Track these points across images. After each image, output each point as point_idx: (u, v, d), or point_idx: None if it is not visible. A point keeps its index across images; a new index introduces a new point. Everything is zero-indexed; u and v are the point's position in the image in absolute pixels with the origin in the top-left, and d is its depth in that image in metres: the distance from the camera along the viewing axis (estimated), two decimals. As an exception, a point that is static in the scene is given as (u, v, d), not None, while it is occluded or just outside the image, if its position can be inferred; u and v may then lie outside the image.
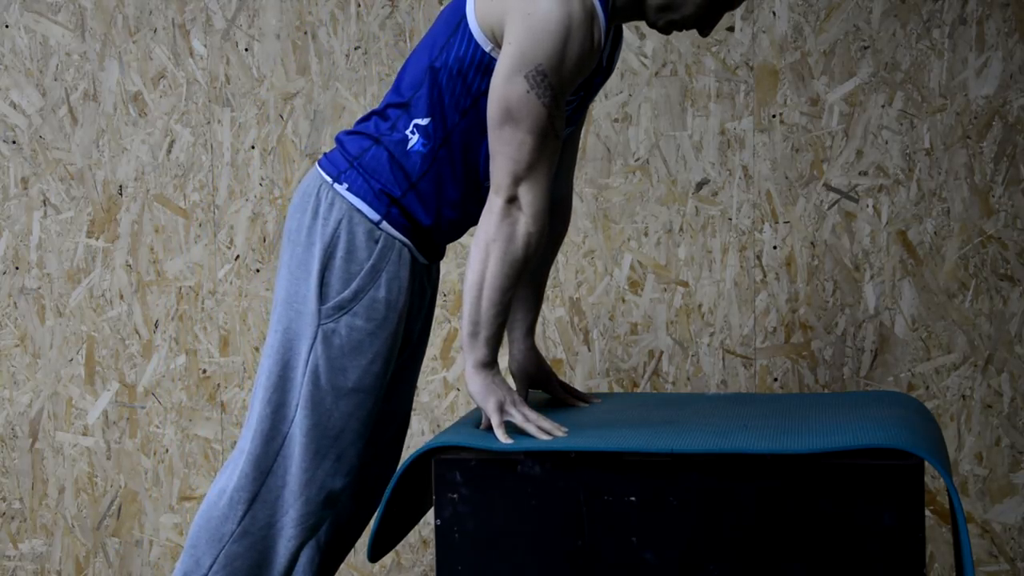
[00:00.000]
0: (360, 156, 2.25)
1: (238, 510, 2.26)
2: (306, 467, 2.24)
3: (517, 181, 2.11)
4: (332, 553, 2.45)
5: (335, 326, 2.22)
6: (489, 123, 2.13)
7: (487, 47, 2.15)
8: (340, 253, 2.22)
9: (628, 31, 3.11)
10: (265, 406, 2.25)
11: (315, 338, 2.23)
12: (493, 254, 2.11)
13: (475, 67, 2.17)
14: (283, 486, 2.26)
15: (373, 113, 2.29)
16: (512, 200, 2.11)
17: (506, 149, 2.11)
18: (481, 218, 2.14)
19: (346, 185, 2.24)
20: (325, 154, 2.31)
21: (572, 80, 2.12)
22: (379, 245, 2.23)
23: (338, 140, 2.30)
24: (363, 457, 2.34)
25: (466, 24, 2.17)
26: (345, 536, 2.47)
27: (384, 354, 2.25)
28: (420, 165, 2.23)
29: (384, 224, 2.23)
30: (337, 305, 2.22)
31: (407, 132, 2.23)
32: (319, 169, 2.28)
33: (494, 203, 2.12)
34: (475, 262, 2.12)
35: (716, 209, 3.12)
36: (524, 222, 2.11)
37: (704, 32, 2.23)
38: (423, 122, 2.22)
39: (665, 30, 2.24)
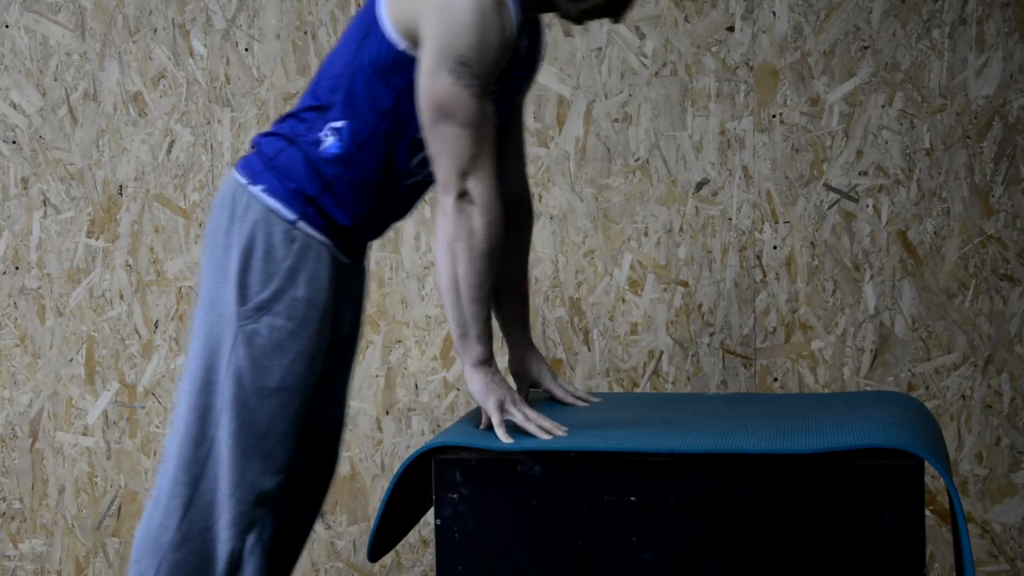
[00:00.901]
0: (275, 157, 2.26)
1: (174, 518, 2.26)
2: (235, 468, 2.24)
3: (464, 175, 2.12)
4: (280, 558, 2.45)
5: (256, 327, 2.23)
6: (423, 125, 2.13)
7: (401, 46, 2.16)
8: (258, 254, 2.23)
9: (628, 31, 3.11)
10: (191, 411, 2.26)
11: (237, 339, 2.23)
12: (459, 253, 2.12)
13: (390, 67, 2.17)
14: (215, 489, 2.26)
15: (289, 115, 2.29)
16: (463, 195, 2.12)
17: (446, 147, 2.12)
18: (436, 220, 2.14)
19: (262, 187, 2.24)
20: (243, 157, 2.31)
21: (494, 67, 2.12)
22: (296, 245, 2.23)
23: (254, 143, 2.31)
24: (294, 456, 2.34)
25: (378, 25, 2.17)
26: (292, 540, 2.47)
27: (307, 353, 2.25)
28: (335, 166, 2.23)
29: (301, 224, 2.23)
30: (257, 306, 2.23)
31: (321, 134, 2.23)
32: (236, 172, 2.29)
33: (445, 203, 2.13)
34: (443, 265, 2.13)
35: (716, 209, 3.12)
36: (479, 214, 2.12)
37: (616, 19, 2.24)
38: (339, 124, 2.22)
39: (578, 20, 2.24)
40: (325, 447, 2.47)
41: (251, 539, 2.31)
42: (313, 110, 2.25)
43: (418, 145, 2.21)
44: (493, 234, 2.14)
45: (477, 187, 2.12)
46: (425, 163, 2.24)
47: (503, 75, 2.19)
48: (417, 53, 2.14)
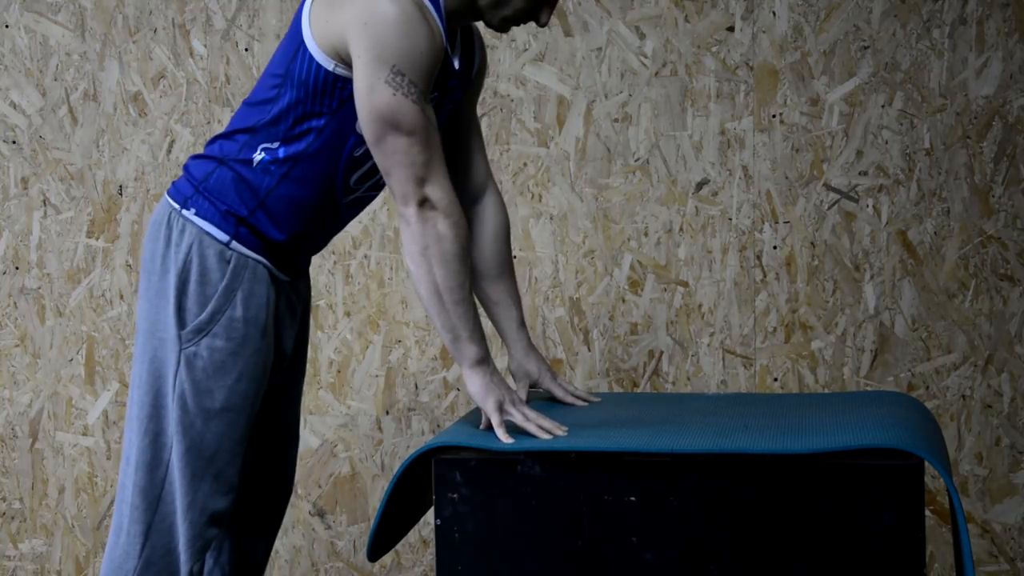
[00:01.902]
0: (205, 180, 2.26)
1: (136, 544, 2.27)
2: (187, 491, 2.25)
3: (421, 182, 2.12)
4: None
5: (196, 349, 2.23)
6: (369, 141, 2.13)
7: (330, 65, 2.15)
8: (194, 277, 2.23)
9: (628, 31, 3.11)
10: (143, 437, 2.27)
11: (179, 363, 2.24)
12: (433, 259, 2.12)
13: (320, 87, 2.17)
14: (173, 512, 2.27)
15: (218, 137, 2.29)
16: (423, 202, 2.12)
17: (396, 158, 2.12)
18: (403, 233, 2.14)
19: (193, 210, 2.25)
20: (173, 182, 2.32)
21: (429, 72, 2.12)
22: (231, 265, 2.24)
23: (185, 167, 2.31)
24: (248, 476, 2.37)
25: (304, 47, 2.17)
26: (251, 562, 2.48)
27: (250, 372, 2.26)
28: (267, 183, 2.23)
29: (234, 244, 2.24)
30: (196, 328, 2.23)
31: (253, 154, 2.24)
32: (167, 198, 2.29)
33: (408, 214, 2.13)
34: (421, 275, 2.13)
35: (716, 209, 3.12)
36: (443, 218, 2.13)
37: (540, 22, 2.23)
38: (272, 145, 2.23)
39: (502, 27, 2.24)
40: (278, 465, 2.48)
41: (209, 561, 2.36)
42: (244, 132, 2.25)
43: (356, 162, 2.22)
44: (461, 234, 2.14)
45: (436, 191, 2.13)
46: (364, 179, 2.26)
47: (437, 83, 2.19)
48: (347, 72, 2.14)
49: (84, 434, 3.35)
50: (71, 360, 3.35)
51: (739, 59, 3.09)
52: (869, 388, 3.09)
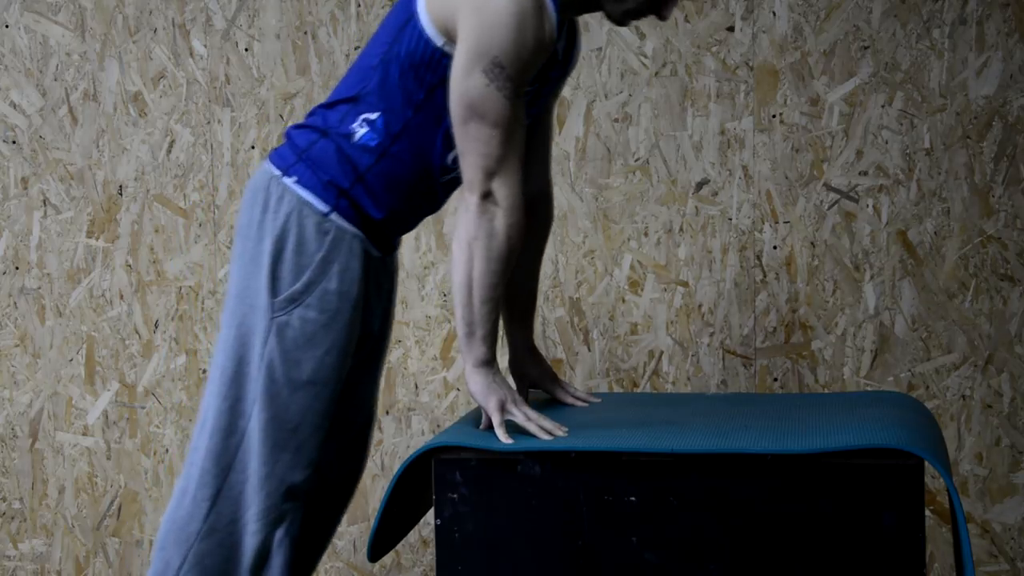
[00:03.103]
0: (308, 149, 2.25)
1: (202, 508, 2.26)
2: (265, 461, 2.24)
3: (490, 176, 2.11)
4: (307, 550, 2.45)
5: (288, 319, 2.22)
6: (454, 122, 2.13)
7: (439, 42, 2.15)
8: (290, 246, 2.22)
9: (627, 30, 3.11)
10: (222, 402, 2.26)
11: (269, 331, 2.23)
12: (477, 252, 2.12)
13: (426, 61, 2.17)
14: (244, 481, 2.26)
15: (321, 107, 2.29)
16: (487, 196, 2.12)
17: (474, 145, 2.11)
18: (458, 217, 2.14)
19: (295, 178, 2.24)
20: (275, 148, 2.31)
21: (529, 70, 2.11)
22: (329, 237, 2.23)
23: (287, 134, 2.31)
24: (324, 450, 2.34)
25: (416, 19, 2.17)
26: (319, 533, 2.47)
27: (339, 346, 2.25)
28: (368, 158, 2.23)
29: (333, 216, 2.23)
30: (289, 298, 2.22)
31: (354, 126, 2.23)
32: (269, 163, 2.28)
33: (469, 201, 2.12)
34: (460, 262, 2.13)
35: (716, 209, 3.12)
36: (501, 216, 2.12)
37: (663, 16, 2.22)
38: (372, 116, 2.22)
39: (622, 20, 2.23)
40: (354, 441, 2.47)
41: (280, 532, 2.30)
42: (346, 102, 2.24)
43: (452, 141, 2.21)
44: (513, 236, 2.13)
45: (502, 189, 2.12)
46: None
47: (539, 76, 2.18)
48: (452, 50, 2.13)
49: (84, 434, 3.35)
50: (71, 360, 3.35)
51: (739, 59, 3.09)
52: (869, 388, 3.09)
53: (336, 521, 2.50)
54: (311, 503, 2.41)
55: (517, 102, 2.11)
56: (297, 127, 2.30)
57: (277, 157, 2.28)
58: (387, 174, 2.23)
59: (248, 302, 2.24)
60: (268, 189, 2.25)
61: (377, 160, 2.22)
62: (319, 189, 2.23)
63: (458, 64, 2.10)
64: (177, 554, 2.27)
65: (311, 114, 2.30)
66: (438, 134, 2.21)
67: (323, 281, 2.23)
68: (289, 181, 2.24)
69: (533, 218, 2.39)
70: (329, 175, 2.23)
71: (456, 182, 2.29)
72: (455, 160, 2.23)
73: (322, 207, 2.23)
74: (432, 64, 2.16)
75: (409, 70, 2.18)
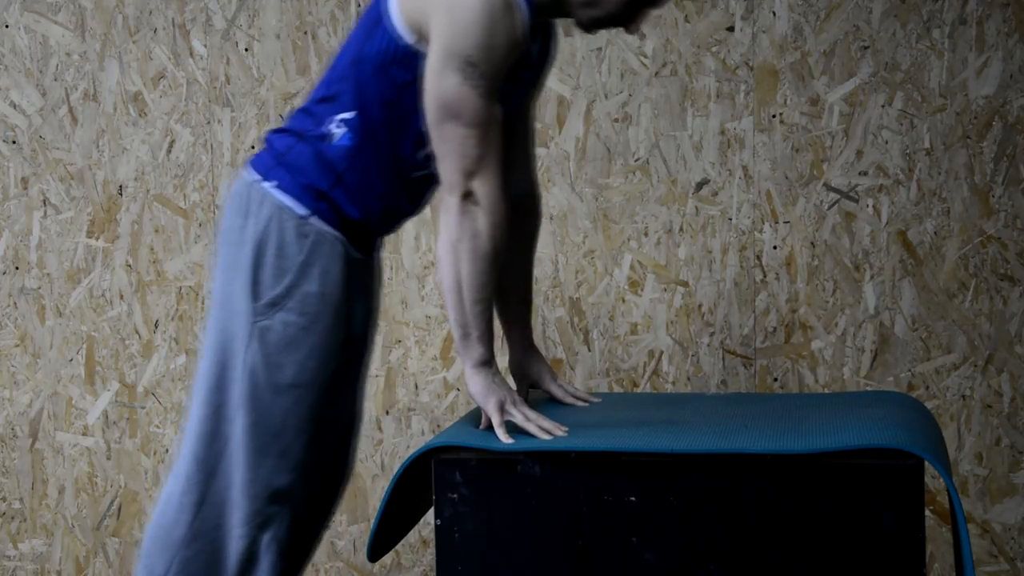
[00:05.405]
0: (286, 153, 2.26)
1: (187, 514, 2.26)
2: (249, 465, 2.24)
3: (469, 176, 2.12)
4: (294, 553, 2.44)
5: (269, 323, 2.23)
6: (429, 125, 2.13)
7: (410, 39, 2.16)
8: (271, 250, 2.23)
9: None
10: (205, 407, 2.26)
11: (251, 336, 2.23)
12: (463, 254, 2.12)
13: (397, 59, 2.17)
14: (229, 486, 2.26)
15: (300, 110, 2.30)
16: (467, 196, 2.12)
17: (451, 146, 2.11)
18: (441, 220, 2.14)
19: (274, 182, 2.25)
20: (254, 154, 2.31)
21: (502, 68, 2.12)
22: (309, 240, 2.23)
23: (266, 139, 2.31)
24: (309, 453, 2.33)
25: (387, 18, 2.17)
26: (307, 536, 2.46)
27: (321, 348, 2.25)
28: (345, 158, 2.23)
29: (313, 219, 2.24)
30: (270, 302, 2.23)
31: (331, 127, 2.23)
32: (249, 169, 2.29)
33: (450, 203, 2.13)
34: (446, 265, 2.13)
35: (716, 209, 3.12)
36: (483, 215, 2.12)
37: (630, 29, 2.23)
38: (348, 116, 2.22)
39: (589, 28, 2.24)
40: (339, 444, 2.46)
41: (266, 536, 2.30)
42: (323, 102, 2.25)
43: (423, 139, 2.21)
44: (497, 235, 2.13)
45: (482, 188, 2.12)
46: (432, 157, 2.24)
47: (511, 75, 2.19)
48: (424, 48, 2.14)
49: (84, 434, 3.35)
50: (71, 360, 3.35)
51: (739, 59, 3.09)
52: (869, 388, 3.09)
53: (324, 523, 2.50)
54: (297, 506, 2.41)
55: (492, 100, 2.11)
56: (275, 131, 2.31)
57: (257, 162, 2.29)
58: (364, 172, 2.24)
59: (230, 307, 2.25)
60: (248, 195, 2.26)
61: (354, 160, 2.23)
62: (298, 193, 2.23)
63: (431, 64, 2.11)
64: (161, 561, 2.27)
65: (290, 116, 2.31)
66: (408, 132, 2.22)
67: (304, 284, 2.23)
68: (268, 186, 2.25)
69: (520, 219, 2.40)
70: (308, 179, 2.24)
71: (429, 179, 2.30)
72: (426, 157, 2.24)
73: (301, 211, 2.23)
74: (401, 62, 2.17)
75: (380, 69, 2.19)
